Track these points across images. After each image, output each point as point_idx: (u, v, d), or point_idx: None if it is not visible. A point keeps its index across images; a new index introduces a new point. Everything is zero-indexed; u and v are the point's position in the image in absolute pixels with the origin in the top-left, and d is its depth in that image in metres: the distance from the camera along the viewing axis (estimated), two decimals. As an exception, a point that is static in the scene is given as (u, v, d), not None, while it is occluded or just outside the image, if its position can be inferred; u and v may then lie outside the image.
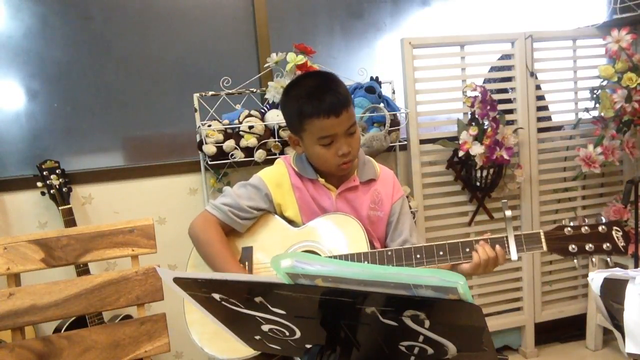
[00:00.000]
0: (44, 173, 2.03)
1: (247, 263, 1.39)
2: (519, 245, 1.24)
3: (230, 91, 2.19)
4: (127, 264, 1.49)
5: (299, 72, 2.08)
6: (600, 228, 1.22)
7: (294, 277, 0.73)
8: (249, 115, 2.09)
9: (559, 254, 1.24)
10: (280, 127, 2.08)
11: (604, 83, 2.38)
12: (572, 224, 1.24)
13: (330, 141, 1.32)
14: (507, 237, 1.25)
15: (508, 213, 1.25)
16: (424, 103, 2.39)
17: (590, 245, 1.22)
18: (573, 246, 1.23)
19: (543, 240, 1.24)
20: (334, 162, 1.34)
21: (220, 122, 2.10)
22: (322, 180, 1.41)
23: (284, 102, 1.40)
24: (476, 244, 1.26)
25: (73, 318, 1.88)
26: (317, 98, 1.28)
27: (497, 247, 1.25)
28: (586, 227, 1.23)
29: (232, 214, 1.38)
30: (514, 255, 1.24)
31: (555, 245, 1.23)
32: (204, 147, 2.05)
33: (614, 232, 1.21)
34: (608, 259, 1.24)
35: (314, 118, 1.29)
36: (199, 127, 2.13)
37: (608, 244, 1.21)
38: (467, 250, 1.26)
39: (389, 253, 1.28)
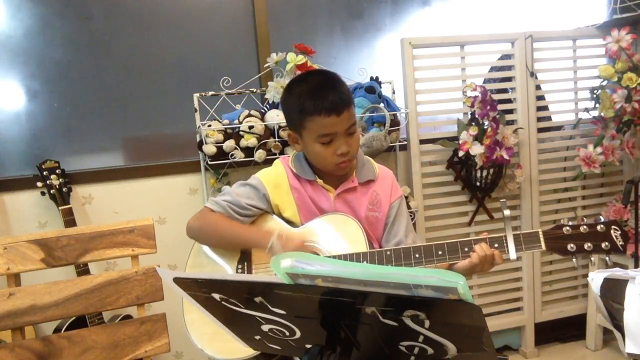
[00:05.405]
0: (44, 173, 2.03)
1: (245, 264, 1.39)
2: (517, 245, 1.23)
3: (230, 91, 2.19)
4: (127, 264, 1.49)
5: (299, 72, 2.08)
6: (598, 227, 1.22)
7: (294, 277, 0.73)
8: (249, 115, 2.09)
9: (558, 253, 1.24)
10: (280, 127, 2.08)
11: (604, 83, 2.39)
12: (570, 223, 1.24)
13: (330, 140, 1.31)
14: (505, 236, 1.24)
15: (507, 212, 1.24)
16: (424, 103, 2.39)
17: (589, 244, 1.21)
18: (572, 245, 1.22)
19: (542, 239, 1.23)
20: (332, 160, 1.34)
21: (220, 122, 2.10)
22: (320, 181, 1.41)
23: (285, 98, 1.39)
24: (475, 243, 1.25)
25: (73, 318, 1.89)
26: (319, 96, 1.28)
27: (494, 247, 1.24)
28: (585, 226, 1.22)
29: (232, 210, 1.38)
30: (512, 254, 1.23)
31: (553, 245, 1.23)
32: (204, 147, 2.05)
33: (612, 231, 1.21)
34: (607, 258, 1.23)
35: (316, 116, 1.28)
36: (199, 127, 2.13)
37: (607, 243, 1.21)
38: (466, 250, 1.25)
39: (388, 253, 1.28)
